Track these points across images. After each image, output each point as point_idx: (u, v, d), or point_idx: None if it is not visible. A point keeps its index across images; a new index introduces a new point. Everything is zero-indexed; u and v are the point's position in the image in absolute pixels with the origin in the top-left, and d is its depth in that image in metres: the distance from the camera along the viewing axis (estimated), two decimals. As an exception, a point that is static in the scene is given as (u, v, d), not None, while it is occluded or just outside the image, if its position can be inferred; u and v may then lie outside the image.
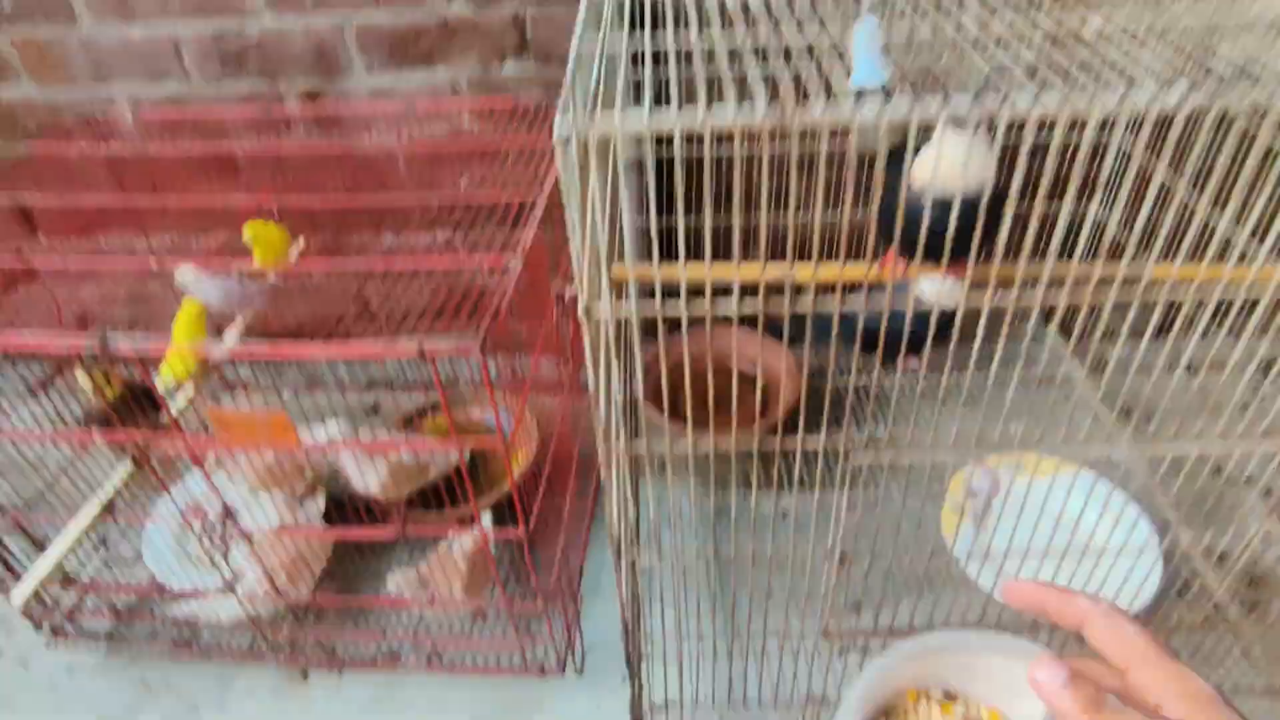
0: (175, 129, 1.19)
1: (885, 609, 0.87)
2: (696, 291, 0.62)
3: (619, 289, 0.98)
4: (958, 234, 0.66)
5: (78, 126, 1.17)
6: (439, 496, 1.16)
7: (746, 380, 1.42)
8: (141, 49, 1.27)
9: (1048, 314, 1.53)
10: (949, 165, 0.83)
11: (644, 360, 1.44)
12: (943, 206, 0.74)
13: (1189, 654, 1.10)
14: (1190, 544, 1.16)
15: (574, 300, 0.67)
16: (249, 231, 1.22)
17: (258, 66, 1.29)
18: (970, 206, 0.65)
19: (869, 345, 1.39)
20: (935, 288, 1.31)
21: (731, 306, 0.62)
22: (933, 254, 0.69)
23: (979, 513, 1.18)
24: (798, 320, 1.47)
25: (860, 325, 0.68)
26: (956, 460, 1.30)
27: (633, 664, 0.81)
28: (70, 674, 1.18)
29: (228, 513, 0.89)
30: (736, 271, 0.73)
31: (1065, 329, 1.51)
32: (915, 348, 1.36)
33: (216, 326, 1.22)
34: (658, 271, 0.64)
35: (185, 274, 1.10)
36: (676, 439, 0.69)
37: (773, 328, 1.52)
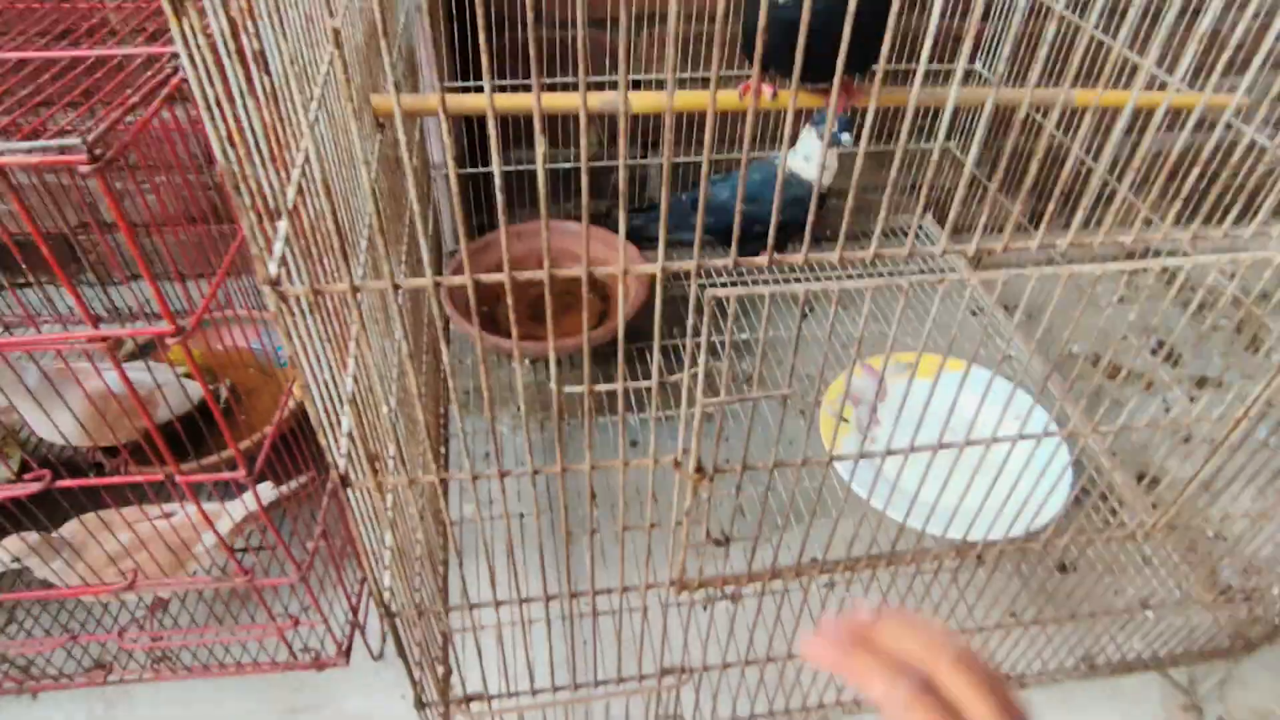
0: None
1: (755, 544, 0.64)
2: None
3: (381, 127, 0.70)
4: (824, 39, 0.41)
5: None
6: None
7: (578, 284, 1.17)
8: None
9: (918, 192, 1.36)
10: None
11: (452, 265, 1.17)
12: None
13: (1102, 569, 0.96)
14: (1088, 436, 1.03)
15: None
16: None
17: None
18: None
19: (726, 236, 1.18)
20: (808, 157, 1.10)
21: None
22: (804, 73, 0.45)
23: (864, 421, 0.99)
24: (639, 211, 1.24)
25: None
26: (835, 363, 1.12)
27: (410, 650, 0.55)
28: None
29: None
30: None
31: (941, 217, 1.37)
32: (781, 240, 1.16)
33: None
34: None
35: None
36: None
37: (614, 226, 1.27)
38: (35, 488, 0.58)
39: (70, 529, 0.71)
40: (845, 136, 1.02)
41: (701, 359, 0.40)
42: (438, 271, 1.11)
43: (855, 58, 0.41)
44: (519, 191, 1.25)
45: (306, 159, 0.39)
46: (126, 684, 0.81)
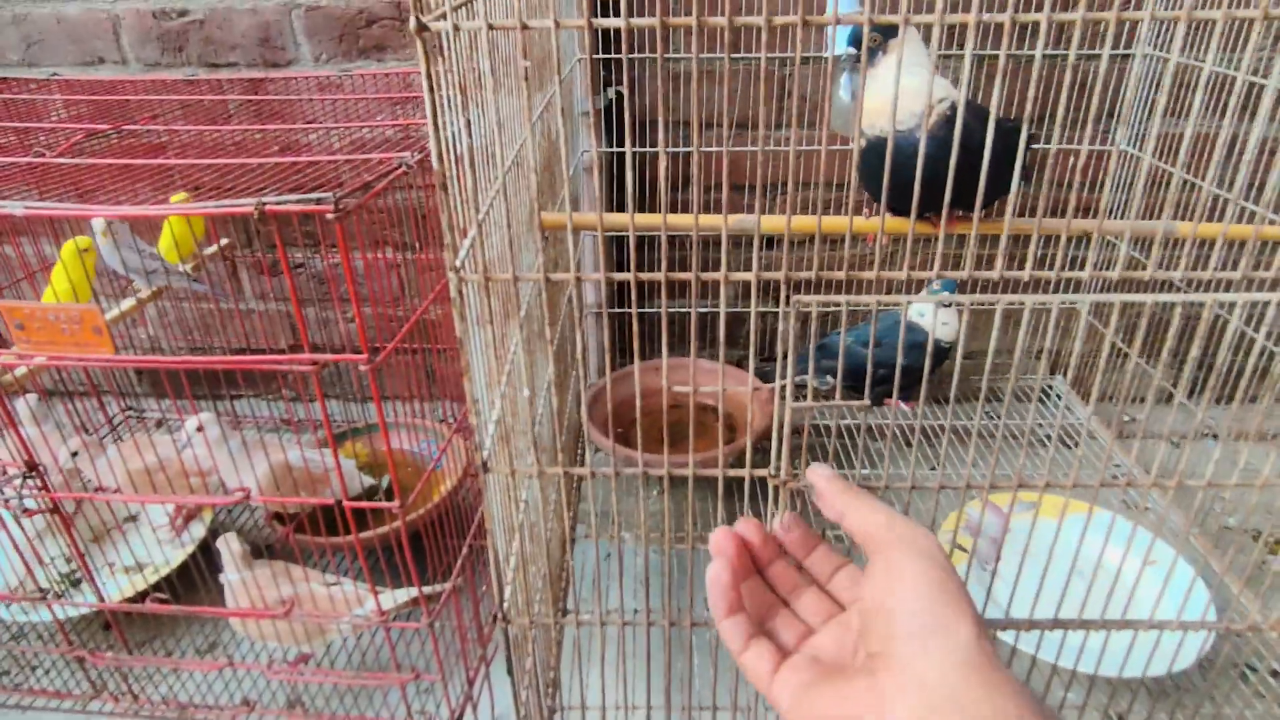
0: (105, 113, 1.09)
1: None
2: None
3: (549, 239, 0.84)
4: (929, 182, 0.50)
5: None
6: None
7: (709, 412, 1.25)
8: (76, 27, 1.20)
9: (1054, 361, 1.37)
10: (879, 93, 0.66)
11: (592, 391, 1.28)
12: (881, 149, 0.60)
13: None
14: (1250, 616, 0.95)
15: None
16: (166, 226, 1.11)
17: (198, 52, 1.22)
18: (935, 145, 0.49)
19: (857, 380, 1.23)
20: (930, 312, 1.18)
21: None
22: (924, 206, 0.54)
23: (987, 554, 0.97)
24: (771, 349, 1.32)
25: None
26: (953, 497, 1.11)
27: (520, 668, 0.60)
28: None
29: (32, 467, 0.71)
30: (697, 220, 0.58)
31: (1077, 382, 1.36)
32: (905, 387, 1.20)
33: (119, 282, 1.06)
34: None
35: (101, 224, 0.96)
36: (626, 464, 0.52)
37: (746, 364, 1.36)
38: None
39: (274, 565, 0.83)
40: (945, 294, 1.10)
41: (790, 369, 0.46)
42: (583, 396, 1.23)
43: (961, 197, 0.48)
44: (653, 335, 1.37)
45: (490, 208, 0.51)
46: (263, 726, 0.88)
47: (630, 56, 1.20)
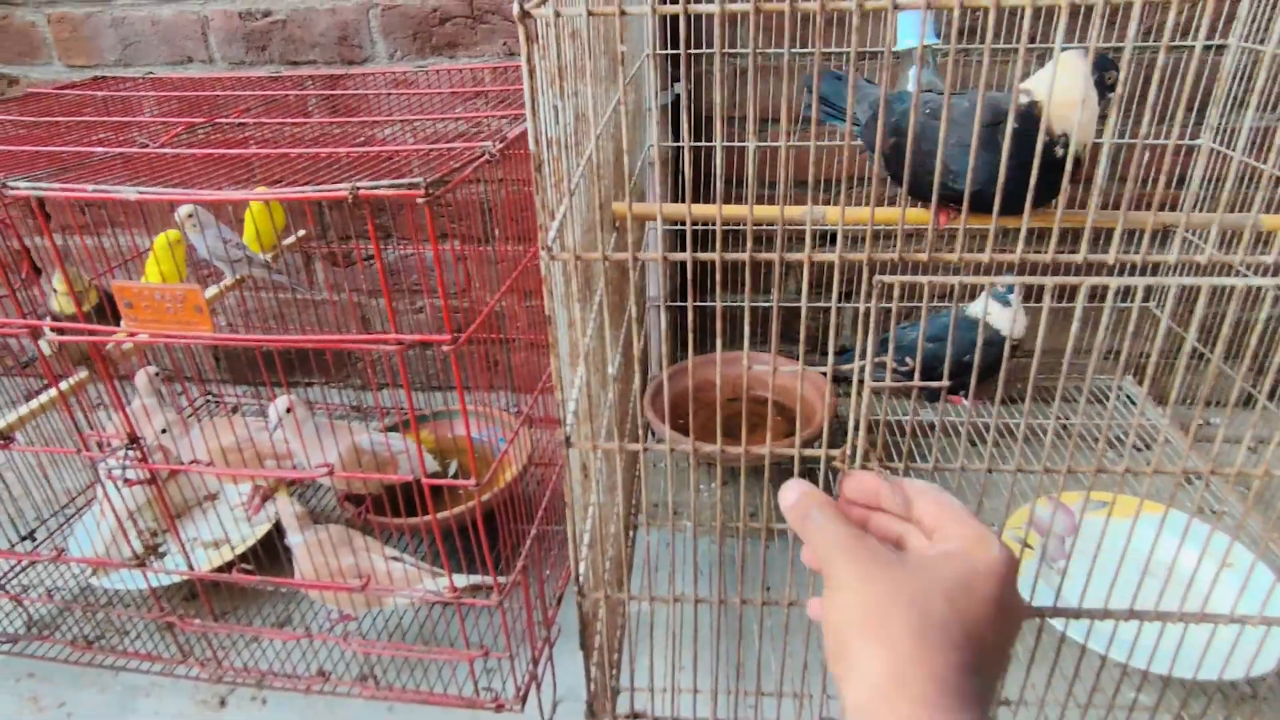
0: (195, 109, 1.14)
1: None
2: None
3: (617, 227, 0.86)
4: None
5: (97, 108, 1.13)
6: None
7: (774, 405, 1.25)
8: (169, 28, 1.26)
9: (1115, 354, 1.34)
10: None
11: (655, 382, 1.29)
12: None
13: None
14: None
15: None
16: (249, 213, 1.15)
17: (280, 50, 1.27)
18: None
19: (912, 374, 1.22)
20: (996, 308, 1.16)
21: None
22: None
23: (1055, 552, 0.96)
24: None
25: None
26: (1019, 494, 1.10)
27: (592, 643, 0.61)
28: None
29: (133, 440, 0.75)
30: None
31: (1140, 375, 1.33)
32: (962, 379, 1.19)
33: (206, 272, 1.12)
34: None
35: (186, 210, 1.00)
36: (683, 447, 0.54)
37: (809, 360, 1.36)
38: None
39: (336, 530, 0.87)
40: (1001, 292, 1.09)
41: (871, 347, 0.47)
42: (645, 381, 1.24)
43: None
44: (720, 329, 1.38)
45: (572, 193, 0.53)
46: (334, 698, 0.91)
47: (692, 52, 1.22)
